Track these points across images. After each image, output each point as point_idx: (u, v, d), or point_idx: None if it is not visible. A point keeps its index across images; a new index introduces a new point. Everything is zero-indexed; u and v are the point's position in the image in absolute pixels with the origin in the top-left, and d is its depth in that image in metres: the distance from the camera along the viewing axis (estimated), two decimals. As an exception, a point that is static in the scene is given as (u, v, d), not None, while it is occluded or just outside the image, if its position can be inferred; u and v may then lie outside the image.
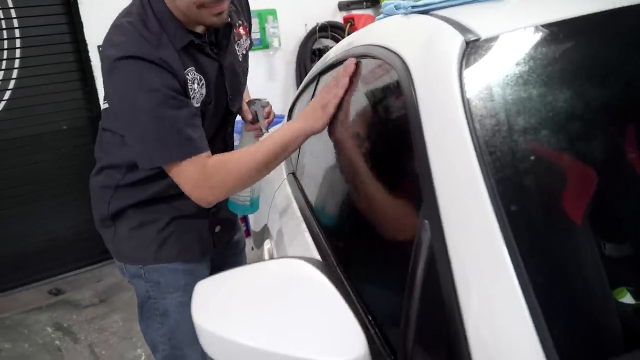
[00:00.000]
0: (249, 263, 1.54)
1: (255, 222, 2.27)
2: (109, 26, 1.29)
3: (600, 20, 0.92)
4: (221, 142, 1.52)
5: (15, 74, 3.38)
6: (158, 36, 1.25)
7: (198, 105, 1.32)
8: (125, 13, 1.31)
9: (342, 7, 4.24)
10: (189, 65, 1.29)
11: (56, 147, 3.57)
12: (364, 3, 4.31)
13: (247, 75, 1.58)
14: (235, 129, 1.59)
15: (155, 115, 1.20)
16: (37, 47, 3.41)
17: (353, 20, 4.09)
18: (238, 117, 1.59)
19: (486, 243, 0.64)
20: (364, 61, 1.26)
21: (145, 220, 1.45)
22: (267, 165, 1.25)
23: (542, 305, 0.59)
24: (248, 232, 3.16)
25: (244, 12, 1.54)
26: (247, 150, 1.28)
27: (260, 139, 1.53)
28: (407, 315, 0.72)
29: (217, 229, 1.55)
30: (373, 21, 4.17)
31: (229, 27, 1.39)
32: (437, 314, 0.67)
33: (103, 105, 1.44)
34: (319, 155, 1.45)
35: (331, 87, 1.21)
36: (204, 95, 1.33)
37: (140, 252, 1.47)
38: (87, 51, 3.43)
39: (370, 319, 0.87)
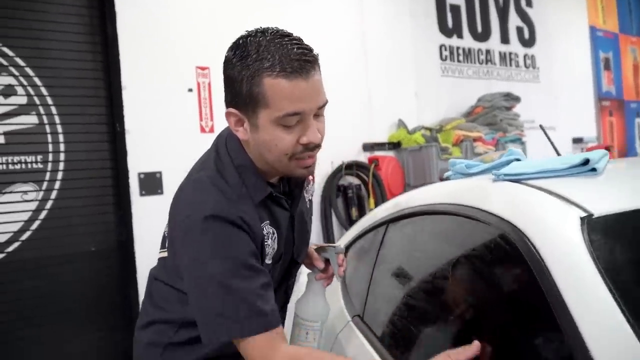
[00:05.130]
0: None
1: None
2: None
3: None
4: (283, 294, 1.45)
5: (53, 194, 3.49)
6: (237, 189, 1.21)
7: (270, 262, 1.27)
8: (201, 165, 1.28)
9: (366, 148, 4.50)
10: (264, 218, 1.25)
11: (80, 268, 3.58)
12: (386, 145, 4.57)
13: (312, 223, 1.52)
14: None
15: (225, 287, 1.13)
16: (78, 171, 3.56)
17: (377, 161, 4.31)
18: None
19: None
20: (453, 219, 1.34)
21: None
22: None
23: None
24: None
25: None
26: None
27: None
28: None
29: None
30: (395, 163, 4.42)
31: None
32: None
33: (160, 253, 1.37)
34: (412, 311, 1.46)
35: None
36: (275, 250, 1.28)
37: None
38: (127, 178, 3.56)
39: None
